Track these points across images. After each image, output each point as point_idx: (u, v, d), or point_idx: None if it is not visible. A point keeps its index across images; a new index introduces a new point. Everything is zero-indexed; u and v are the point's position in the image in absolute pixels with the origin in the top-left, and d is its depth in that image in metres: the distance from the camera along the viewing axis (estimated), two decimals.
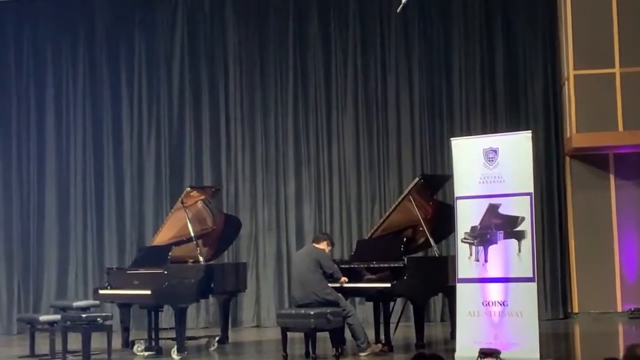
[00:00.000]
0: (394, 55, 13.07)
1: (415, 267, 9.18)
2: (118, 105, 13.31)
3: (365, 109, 13.06)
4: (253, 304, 12.80)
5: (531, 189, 8.36)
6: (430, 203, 9.86)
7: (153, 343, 9.88)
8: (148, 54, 13.34)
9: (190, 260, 10.05)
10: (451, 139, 9.19)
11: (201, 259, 9.88)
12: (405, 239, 9.62)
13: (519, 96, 12.87)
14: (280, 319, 9.10)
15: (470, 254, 8.51)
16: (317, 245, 9.17)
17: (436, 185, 10.24)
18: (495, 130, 12.15)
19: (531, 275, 8.21)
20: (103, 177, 13.19)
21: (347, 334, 9.10)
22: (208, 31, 13.30)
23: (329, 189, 13.02)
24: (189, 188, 10.34)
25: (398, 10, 10.85)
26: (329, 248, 9.33)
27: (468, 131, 12.42)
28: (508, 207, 8.37)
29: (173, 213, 10.21)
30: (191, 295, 9.68)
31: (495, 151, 8.50)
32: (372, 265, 9.42)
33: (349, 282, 9.24)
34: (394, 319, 9.78)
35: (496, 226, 8.39)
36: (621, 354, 4.37)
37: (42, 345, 9.89)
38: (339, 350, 8.98)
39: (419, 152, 12.93)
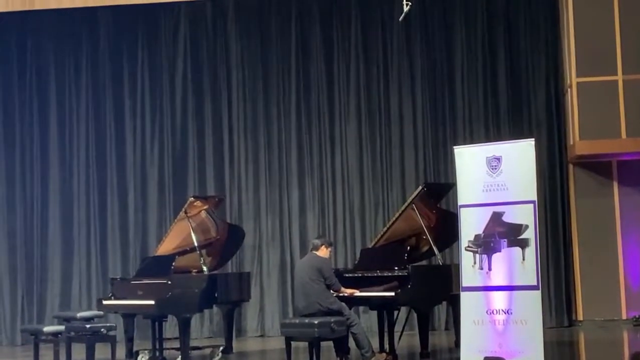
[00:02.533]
0: (396, 63, 13.08)
1: (419, 275, 9.16)
2: (121, 116, 13.34)
3: (368, 118, 13.07)
4: (257, 314, 12.79)
5: (535, 197, 8.35)
6: (434, 211, 9.85)
7: (157, 353, 9.89)
8: (151, 65, 13.36)
9: (194, 270, 10.05)
10: (454, 147, 9.18)
11: (205, 268, 9.87)
12: (408, 248, 9.60)
13: (522, 104, 12.88)
14: (284, 329, 9.07)
15: (474, 262, 8.51)
16: (317, 253, 9.12)
17: (439, 194, 10.23)
18: (498, 138, 12.14)
19: (535, 283, 8.21)
20: (106, 188, 13.20)
21: (352, 343, 9.08)
22: (210, 42, 13.33)
23: (333, 198, 13.01)
24: (192, 198, 10.33)
25: (400, 19, 10.89)
26: (329, 250, 9.28)
27: (471, 139, 12.43)
28: (512, 215, 8.37)
29: (177, 223, 10.20)
30: (195, 305, 9.67)
31: (498, 159, 8.49)
32: (375, 274, 9.41)
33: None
34: (398, 327, 9.76)
35: (500, 234, 8.39)
36: None
37: (46, 357, 9.90)
38: None
39: (422, 161, 12.92)
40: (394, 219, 9.92)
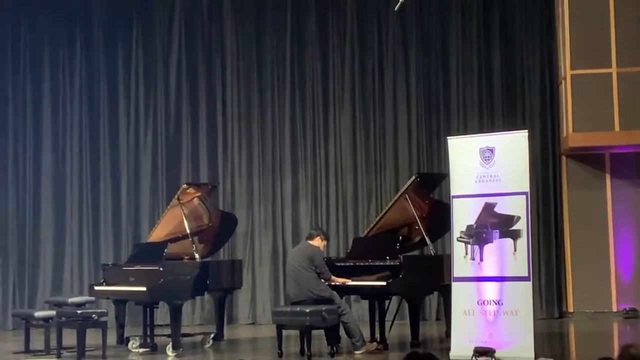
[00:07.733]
0: (391, 53, 13.07)
1: (411, 265, 9.18)
2: (115, 101, 13.30)
3: (362, 107, 13.06)
4: (248, 301, 12.80)
5: (527, 189, 8.37)
6: (427, 201, 9.86)
7: (148, 340, 9.87)
8: (145, 51, 13.33)
9: (186, 257, 10.05)
10: (448, 137, 9.20)
11: (197, 256, 9.87)
12: (401, 238, 9.61)
13: (516, 95, 12.89)
14: (276, 317, 9.09)
15: (466, 253, 8.53)
16: (311, 242, 9.18)
17: (432, 184, 10.25)
18: (492, 129, 12.16)
19: (526, 275, 8.24)
20: (99, 174, 13.18)
21: (342, 332, 9.10)
22: (206, 28, 13.30)
23: (326, 186, 13.02)
24: (185, 185, 10.33)
25: (396, 9, 10.87)
26: (324, 243, 9.33)
27: (465, 130, 12.44)
28: (504, 206, 8.39)
29: (169, 210, 10.20)
30: (187, 292, 9.68)
31: (491, 150, 8.51)
32: (367, 264, 9.42)
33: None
34: (389, 317, 9.79)
35: (492, 225, 8.41)
36: (616, 354, 4.38)
37: (37, 341, 9.89)
38: (334, 348, 8.98)
39: (415, 151, 12.93)
40: (386, 208, 9.94)
